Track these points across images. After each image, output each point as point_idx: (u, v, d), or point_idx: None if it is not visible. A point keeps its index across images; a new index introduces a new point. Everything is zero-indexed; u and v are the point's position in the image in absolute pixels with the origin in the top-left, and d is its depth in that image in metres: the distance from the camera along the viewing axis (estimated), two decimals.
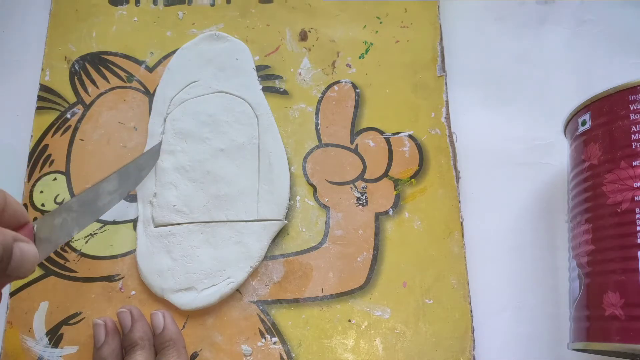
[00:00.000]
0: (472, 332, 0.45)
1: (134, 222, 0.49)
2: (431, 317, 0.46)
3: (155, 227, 0.47)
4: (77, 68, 0.53)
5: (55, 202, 0.49)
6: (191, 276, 0.46)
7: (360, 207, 0.49)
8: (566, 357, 0.46)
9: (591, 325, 0.40)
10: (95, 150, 0.51)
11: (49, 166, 0.50)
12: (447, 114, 0.52)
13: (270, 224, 0.47)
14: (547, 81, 0.54)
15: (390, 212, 0.49)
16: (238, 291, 0.46)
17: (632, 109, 0.39)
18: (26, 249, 0.32)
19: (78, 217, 0.39)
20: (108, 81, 0.53)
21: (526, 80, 0.54)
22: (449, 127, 0.51)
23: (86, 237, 0.48)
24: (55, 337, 0.46)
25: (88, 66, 0.54)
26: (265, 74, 0.53)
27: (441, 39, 0.54)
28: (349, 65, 0.53)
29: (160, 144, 0.49)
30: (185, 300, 0.45)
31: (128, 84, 0.53)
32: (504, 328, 0.47)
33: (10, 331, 0.46)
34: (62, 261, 0.48)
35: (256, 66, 0.53)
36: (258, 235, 0.47)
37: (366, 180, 0.50)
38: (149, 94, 0.53)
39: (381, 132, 0.51)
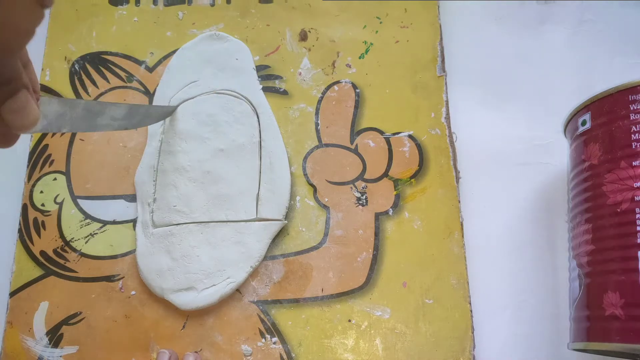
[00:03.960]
0: (472, 332, 0.45)
1: (134, 222, 0.49)
2: (431, 317, 0.46)
3: (155, 227, 0.47)
4: (77, 68, 0.53)
5: (55, 202, 0.49)
6: (191, 276, 0.46)
7: (360, 207, 0.49)
8: (566, 357, 0.46)
9: (591, 325, 0.40)
10: (95, 150, 0.51)
11: (49, 166, 0.50)
12: (447, 114, 0.51)
13: (270, 224, 0.47)
14: (547, 81, 0.54)
15: (390, 212, 0.49)
16: (238, 291, 0.46)
17: (632, 109, 0.39)
18: (31, 100, 0.31)
19: (76, 119, 0.38)
20: (108, 81, 0.53)
21: (526, 80, 0.54)
22: (449, 127, 0.51)
23: (86, 237, 0.48)
24: (55, 337, 0.46)
25: (88, 66, 0.54)
26: (265, 74, 0.53)
27: (441, 39, 0.54)
28: (349, 65, 0.53)
29: (176, 106, 0.50)
30: (185, 300, 0.45)
31: (128, 84, 0.53)
32: (504, 328, 0.47)
33: (10, 331, 0.46)
34: (62, 261, 0.48)
35: (256, 66, 0.53)
36: (258, 235, 0.47)
37: (366, 180, 0.50)
38: (149, 94, 0.53)
39: (381, 132, 0.51)
